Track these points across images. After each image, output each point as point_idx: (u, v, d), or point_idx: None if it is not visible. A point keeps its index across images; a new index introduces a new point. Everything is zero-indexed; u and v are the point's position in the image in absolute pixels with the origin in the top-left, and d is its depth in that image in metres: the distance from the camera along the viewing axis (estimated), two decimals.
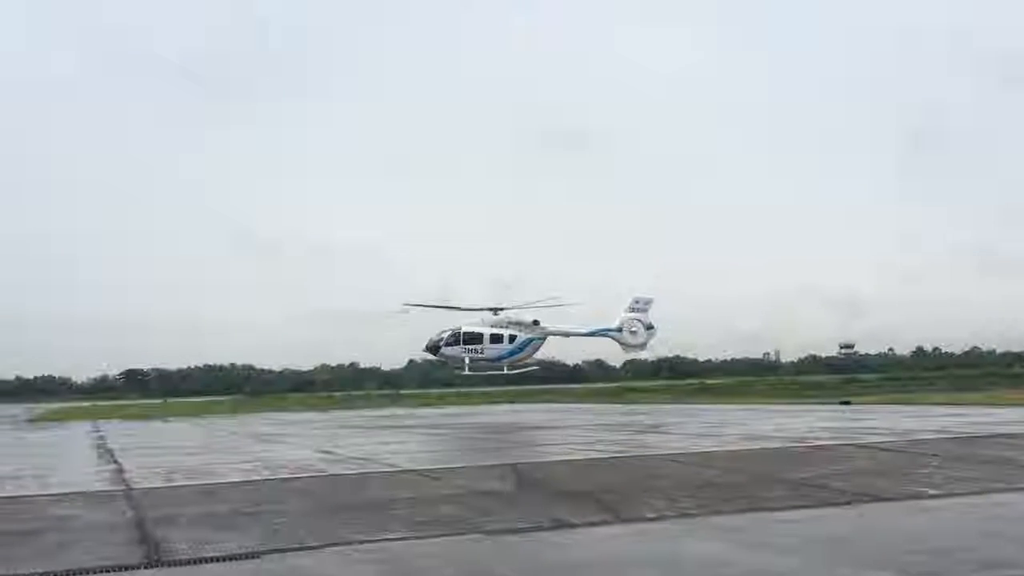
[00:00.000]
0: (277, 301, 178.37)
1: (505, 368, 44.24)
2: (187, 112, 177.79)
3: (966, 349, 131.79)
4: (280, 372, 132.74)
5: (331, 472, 14.81)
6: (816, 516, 9.25)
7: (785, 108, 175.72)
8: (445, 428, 29.23)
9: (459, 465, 15.52)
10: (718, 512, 9.50)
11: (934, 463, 13.34)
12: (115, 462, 18.42)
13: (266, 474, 14.69)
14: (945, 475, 12.01)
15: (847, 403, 37.73)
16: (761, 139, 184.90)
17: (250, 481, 13.67)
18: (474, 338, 43.29)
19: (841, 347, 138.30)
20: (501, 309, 43.79)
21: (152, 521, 9.90)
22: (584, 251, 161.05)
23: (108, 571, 7.54)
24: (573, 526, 8.98)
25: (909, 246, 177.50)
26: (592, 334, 45.59)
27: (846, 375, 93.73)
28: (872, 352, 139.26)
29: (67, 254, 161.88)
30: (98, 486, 13.83)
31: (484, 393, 71.74)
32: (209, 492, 12.42)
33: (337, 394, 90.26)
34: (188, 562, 7.78)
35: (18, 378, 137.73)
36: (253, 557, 7.86)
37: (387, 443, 22.14)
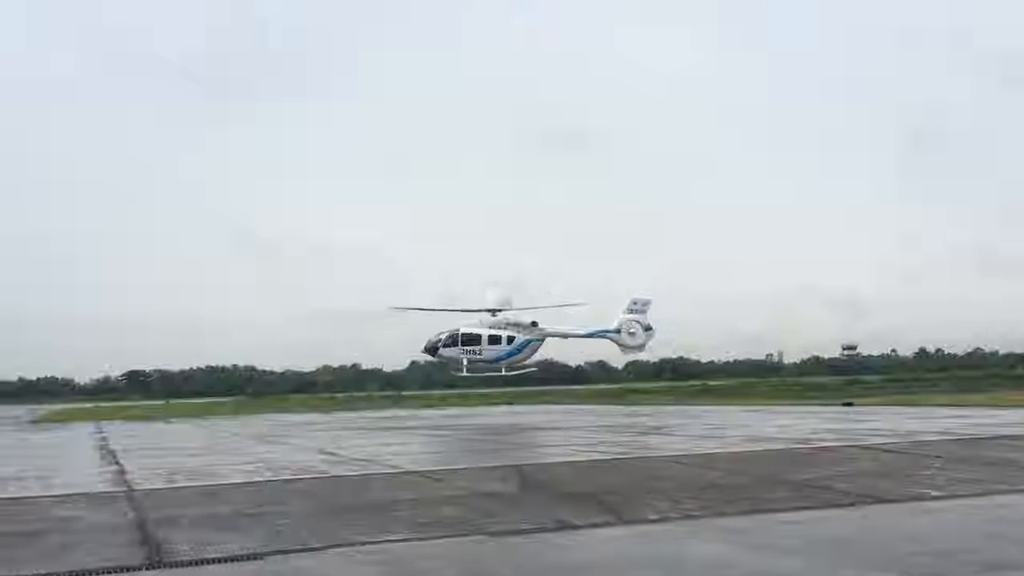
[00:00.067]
0: (277, 301, 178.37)
1: (503, 369, 44.23)
2: (187, 112, 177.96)
3: (969, 350, 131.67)
4: (282, 373, 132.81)
5: (333, 473, 14.80)
6: (819, 517, 9.23)
7: (785, 108, 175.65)
8: (447, 429, 29.22)
9: (461, 466, 15.52)
10: (721, 514, 9.49)
11: (937, 465, 13.31)
12: (117, 463, 18.42)
13: (268, 475, 14.68)
14: (948, 477, 11.98)
15: (850, 404, 37.67)
16: (761, 139, 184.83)
17: (252, 482, 13.66)
18: (472, 339, 43.29)
19: (844, 348, 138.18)
20: (499, 310, 43.79)
21: (154, 522, 9.90)
22: (584, 251, 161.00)
23: (110, 572, 7.53)
24: (576, 527, 8.96)
25: (911, 247, 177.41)
26: (591, 335, 45.56)
27: (849, 376, 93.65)
28: (875, 353, 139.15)
29: (68, 254, 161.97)
30: (100, 487, 13.84)
31: (486, 394, 71.72)
32: (211, 493, 12.41)
33: (339, 395, 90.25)
34: (190, 563, 7.78)
35: (21, 379, 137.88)
36: (255, 558, 7.85)
37: (389, 444, 22.14)
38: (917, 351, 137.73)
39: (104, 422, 46.84)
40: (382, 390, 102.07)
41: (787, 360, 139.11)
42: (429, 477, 13.82)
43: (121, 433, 33.63)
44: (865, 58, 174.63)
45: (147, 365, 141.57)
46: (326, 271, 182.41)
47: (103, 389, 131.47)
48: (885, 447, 16.49)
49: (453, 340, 43.57)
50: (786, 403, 44.23)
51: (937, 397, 43.40)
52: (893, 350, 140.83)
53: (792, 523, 8.92)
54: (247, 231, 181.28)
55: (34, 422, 51.90)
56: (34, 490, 13.74)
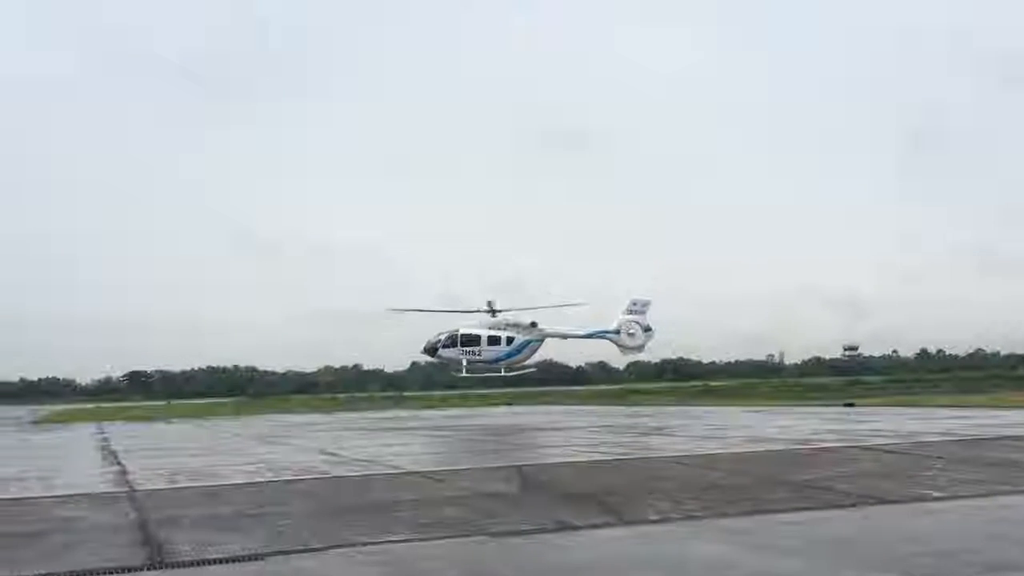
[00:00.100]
0: (278, 302, 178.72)
1: (503, 370, 44.27)
2: (187, 112, 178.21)
3: (970, 351, 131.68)
4: (283, 374, 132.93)
5: (335, 474, 14.81)
6: (821, 518, 9.23)
7: (785, 108, 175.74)
8: (448, 430, 29.23)
9: (463, 467, 15.52)
10: (723, 514, 9.48)
11: (939, 465, 13.30)
12: (119, 464, 18.44)
13: (269, 476, 14.69)
14: (950, 477, 11.97)
15: (851, 405, 37.65)
16: (761, 139, 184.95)
17: (253, 483, 13.67)
18: (471, 340, 43.32)
19: (845, 349, 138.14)
20: (499, 311, 43.81)
21: (155, 523, 9.90)
22: (584, 251, 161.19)
23: (112, 572, 7.53)
24: (577, 528, 8.96)
25: (912, 247, 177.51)
26: (590, 336, 45.57)
27: (850, 377, 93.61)
28: (876, 354, 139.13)
29: (69, 255, 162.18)
30: (102, 488, 13.85)
31: (487, 395, 71.72)
32: (212, 494, 12.42)
33: (340, 396, 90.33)
34: (191, 564, 7.78)
35: (22, 379, 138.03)
36: (257, 559, 7.86)
37: (390, 445, 22.14)
38: (918, 352, 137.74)
39: (105, 423, 46.87)
40: (383, 391, 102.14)
41: (788, 361, 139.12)
42: (430, 478, 13.82)
43: (122, 434, 33.65)
44: (865, 58, 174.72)
45: (148, 366, 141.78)
46: (326, 271, 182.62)
47: (104, 390, 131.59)
48: (887, 448, 16.48)
49: (452, 341, 43.60)
50: (787, 404, 44.22)
51: (939, 398, 43.39)
52: (894, 351, 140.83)
53: (793, 524, 8.92)
54: (247, 231, 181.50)
55: (36, 423, 51.92)
56: (36, 490, 13.75)
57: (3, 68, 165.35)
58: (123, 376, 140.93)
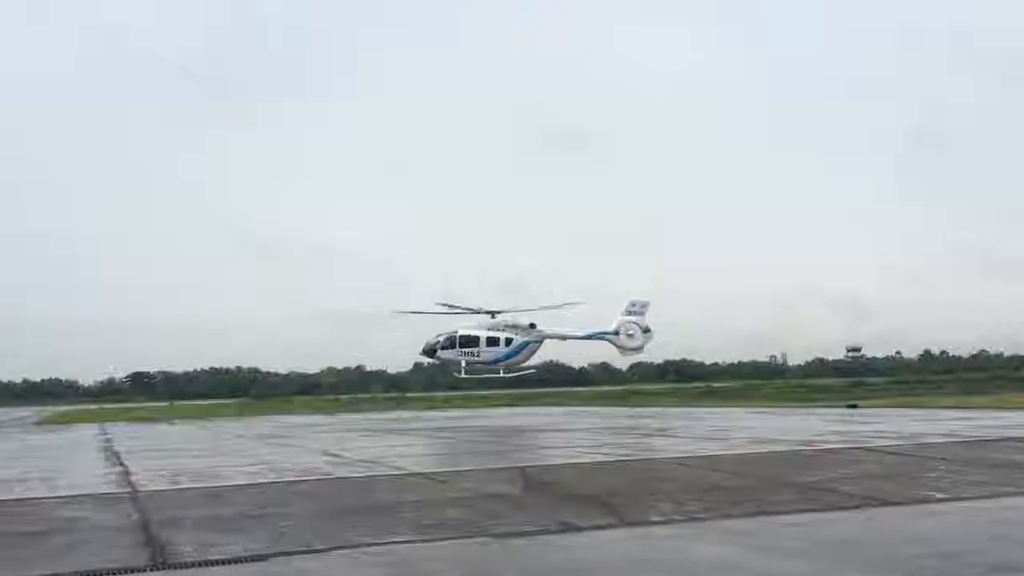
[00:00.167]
0: (279, 302, 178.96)
1: (502, 371, 44.34)
2: (187, 112, 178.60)
3: (974, 352, 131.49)
4: (286, 375, 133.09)
5: (337, 475, 14.81)
6: (825, 520, 9.21)
7: (785, 108, 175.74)
8: (451, 431, 29.22)
9: (465, 468, 15.51)
10: (726, 516, 9.46)
11: (942, 467, 13.27)
12: (121, 465, 18.46)
13: (272, 477, 14.69)
14: (953, 479, 11.94)
15: (854, 406, 37.60)
16: (761, 139, 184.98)
17: (256, 484, 13.67)
18: (470, 341, 43.39)
19: (848, 350, 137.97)
20: (498, 312, 43.86)
21: (158, 523, 9.91)
22: (584, 251, 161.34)
23: (114, 573, 7.53)
24: (579, 529, 8.95)
25: (915, 248, 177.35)
26: (589, 337, 45.60)
27: (853, 378, 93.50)
28: (879, 355, 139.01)
29: (72, 255, 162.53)
30: (105, 488, 13.86)
31: (489, 396, 71.72)
32: (215, 495, 12.42)
33: (343, 397, 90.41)
34: (194, 565, 7.78)
35: (25, 380, 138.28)
36: (259, 560, 7.85)
37: (393, 446, 22.14)
38: (922, 353, 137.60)
39: (108, 424, 46.94)
40: (386, 392, 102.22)
41: (791, 362, 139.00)
42: (433, 479, 13.82)
43: (125, 435, 33.69)
44: (865, 58, 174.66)
45: (151, 367, 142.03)
46: (326, 271, 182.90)
47: (107, 391, 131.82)
48: (890, 449, 16.45)
49: (451, 342, 43.68)
50: (790, 405, 44.16)
51: (942, 399, 43.34)
52: (898, 352, 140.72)
53: (797, 525, 8.90)
54: (247, 231, 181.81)
55: (39, 424, 52.01)
56: (39, 491, 13.76)
57: (3, 68, 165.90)
58: (126, 377, 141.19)
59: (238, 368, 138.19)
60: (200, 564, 7.79)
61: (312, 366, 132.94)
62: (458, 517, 9.78)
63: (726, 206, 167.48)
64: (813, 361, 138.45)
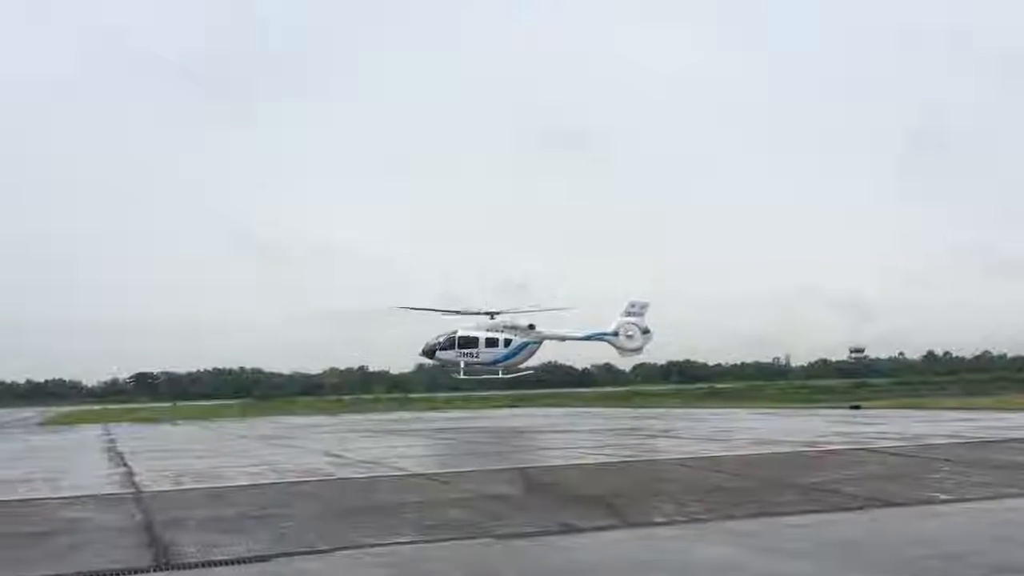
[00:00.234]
0: (281, 303, 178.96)
1: (500, 372, 44.40)
2: (187, 112, 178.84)
3: (977, 353, 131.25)
4: (289, 375, 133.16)
5: (340, 476, 14.81)
6: (828, 521, 9.20)
7: (785, 108, 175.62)
8: (453, 432, 29.23)
9: (467, 469, 15.51)
10: (728, 516, 9.46)
11: (946, 468, 13.26)
12: (125, 465, 18.48)
13: (275, 478, 14.70)
14: (957, 480, 11.93)
15: (857, 407, 37.55)
16: (761, 139, 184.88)
17: (259, 485, 13.68)
18: (470, 342, 43.49)
19: (851, 351, 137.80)
20: (497, 313, 43.92)
21: (161, 524, 9.92)
22: (584, 252, 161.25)
23: (118, 574, 7.55)
24: (581, 530, 8.95)
25: (918, 249, 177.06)
26: (588, 338, 45.65)
27: (856, 379, 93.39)
28: (883, 356, 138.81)
29: (75, 256, 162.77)
30: (108, 489, 13.89)
31: (491, 397, 71.71)
32: (218, 495, 12.44)
33: (346, 398, 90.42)
34: (197, 565, 7.79)
35: (29, 381, 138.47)
36: (262, 560, 7.86)
37: (395, 447, 22.15)
38: (925, 354, 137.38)
39: (112, 424, 47.01)
40: (388, 392, 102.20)
41: (794, 363, 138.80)
42: (435, 480, 13.82)
43: (129, 435, 33.74)
44: (865, 58, 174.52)
45: (154, 367, 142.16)
46: (327, 271, 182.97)
47: (111, 391, 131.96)
48: (893, 450, 16.43)
49: (451, 343, 43.77)
50: (793, 406, 44.11)
51: (945, 400, 43.27)
52: (901, 353, 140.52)
53: (800, 526, 8.89)
54: (248, 231, 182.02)
55: (42, 424, 52.10)
56: (43, 492, 13.78)
57: (3, 68, 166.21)
58: (129, 378, 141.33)
59: (241, 369, 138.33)
60: (203, 565, 7.80)
61: (314, 367, 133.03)
62: (460, 518, 9.78)
63: (726, 206, 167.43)
64: (816, 362, 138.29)
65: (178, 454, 22.18)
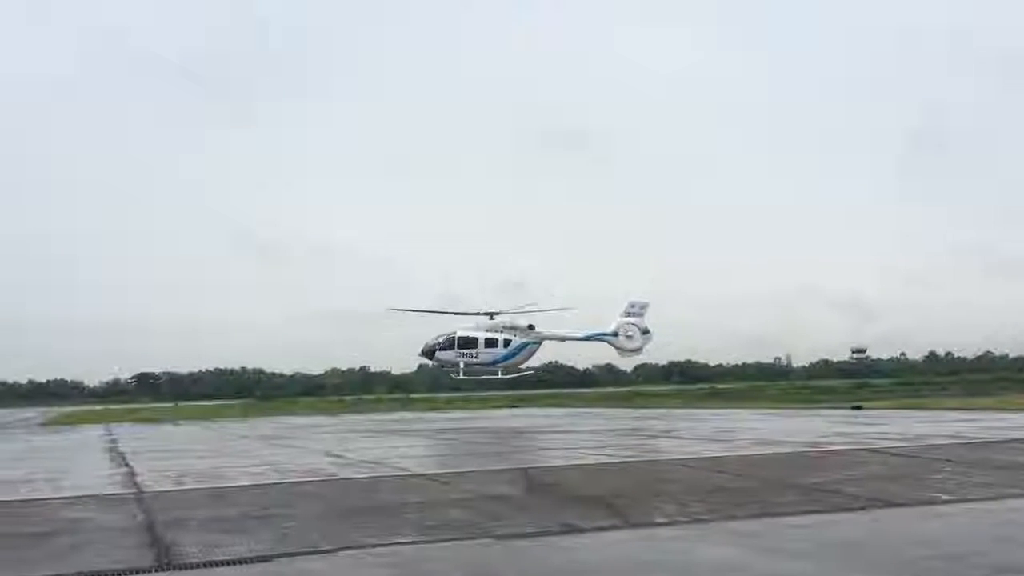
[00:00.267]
0: (283, 303, 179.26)
1: (499, 372, 44.43)
2: (187, 112, 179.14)
3: (979, 354, 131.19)
4: (290, 376, 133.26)
5: (341, 476, 14.82)
6: (829, 521, 9.20)
7: (785, 108, 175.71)
8: (454, 432, 29.23)
9: (468, 469, 15.51)
10: (730, 517, 9.46)
11: (947, 469, 13.25)
12: (127, 465, 18.49)
13: (276, 478, 14.71)
14: (958, 481, 11.92)
15: (859, 408, 37.53)
16: (761, 139, 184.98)
17: (260, 485, 13.69)
18: (469, 342, 43.52)
19: (853, 352, 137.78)
20: (496, 313, 43.95)
21: (163, 524, 9.93)
22: (584, 252, 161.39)
23: (120, 574, 7.55)
24: (583, 531, 8.95)
25: (919, 249, 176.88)
26: (588, 338, 45.67)
27: (858, 380, 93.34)
28: (884, 357, 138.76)
29: (76, 256, 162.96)
30: (110, 489, 13.89)
31: (492, 398, 71.71)
32: (220, 496, 12.44)
33: (347, 398, 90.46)
34: (199, 565, 7.80)
35: (30, 381, 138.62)
36: (264, 561, 7.87)
37: (397, 447, 22.15)
38: (927, 354, 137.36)
39: (113, 424, 47.04)
40: (390, 393, 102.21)
41: (796, 363, 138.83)
42: (436, 480, 13.82)
43: (130, 435, 33.76)
44: (865, 58, 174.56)
45: (156, 368, 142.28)
46: (328, 271, 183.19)
47: (112, 391, 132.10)
48: (895, 451, 16.43)
49: (450, 343, 43.81)
50: (795, 406, 44.09)
51: (947, 400, 43.24)
52: (902, 353, 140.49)
53: (802, 527, 8.89)
54: (248, 231, 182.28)
55: (44, 424, 52.13)
56: (45, 492, 13.79)
57: (3, 68, 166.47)
58: (131, 378, 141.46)
59: (242, 369, 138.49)
60: (205, 565, 7.81)
61: (316, 367, 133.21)
62: (461, 518, 9.78)
63: (726, 206, 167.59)
64: (817, 363, 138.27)
65: (180, 454, 22.19)
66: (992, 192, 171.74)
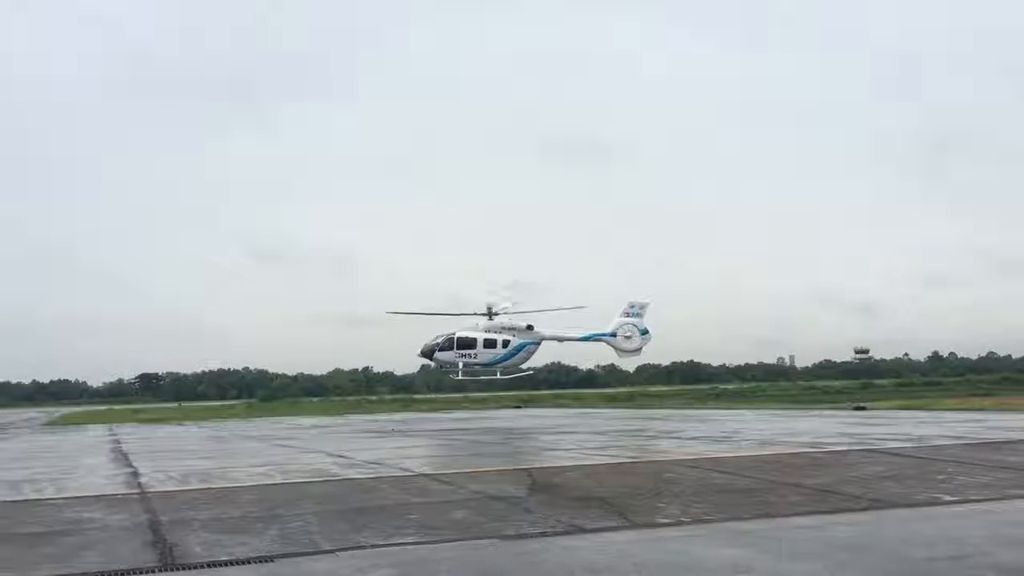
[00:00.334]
0: (287, 304, 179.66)
1: (498, 373, 44.44)
2: (192, 115, 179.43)
3: (982, 354, 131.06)
4: (294, 377, 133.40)
5: (345, 476, 14.83)
6: (834, 522, 9.18)
7: (786, 108, 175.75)
8: (458, 432, 29.24)
9: (472, 470, 15.51)
10: (734, 518, 9.45)
11: (950, 469, 13.23)
12: (131, 466, 18.52)
13: (280, 478, 14.72)
14: (962, 481, 11.91)
15: (862, 408, 37.50)
16: (762, 139, 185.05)
17: (264, 485, 13.70)
18: (468, 343, 43.53)
19: (856, 352, 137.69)
20: (495, 314, 43.95)
21: (166, 525, 9.94)
22: (584, 252, 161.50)
23: (123, 574, 7.57)
24: (586, 531, 8.95)
25: (924, 250, 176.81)
26: (587, 339, 45.64)
27: (861, 380, 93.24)
28: (888, 357, 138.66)
29: (79, 257, 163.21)
30: (114, 490, 13.92)
31: (496, 398, 71.71)
32: (223, 496, 12.45)
33: (351, 398, 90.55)
34: (202, 566, 7.81)
35: (34, 382, 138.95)
36: (267, 561, 7.88)
37: (400, 447, 22.16)
38: (930, 355, 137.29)
39: (117, 425, 47.11)
40: (393, 394, 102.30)
41: (799, 364, 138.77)
42: (440, 480, 13.83)
43: (134, 436, 33.81)
44: (867, 58, 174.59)
45: (159, 368, 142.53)
46: (331, 273, 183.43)
47: (116, 392, 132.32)
48: (898, 451, 16.41)
49: (449, 344, 43.79)
50: (798, 407, 44.06)
51: (950, 401, 43.18)
52: (906, 354, 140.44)
53: (806, 527, 8.88)
54: (253, 233, 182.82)
55: (48, 425, 52.23)
56: (48, 492, 13.81)
57: (4, 69, 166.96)
58: (134, 379, 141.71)
59: (246, 369, 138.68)
60: (209, 565, 7.82)
61: (320, 368, 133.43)
62: (465, 519, 9.79)
63: (731, 206, 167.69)
64: (821, 363, 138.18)
65: (183, 455, 22.22)
66: (997, 194, 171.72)
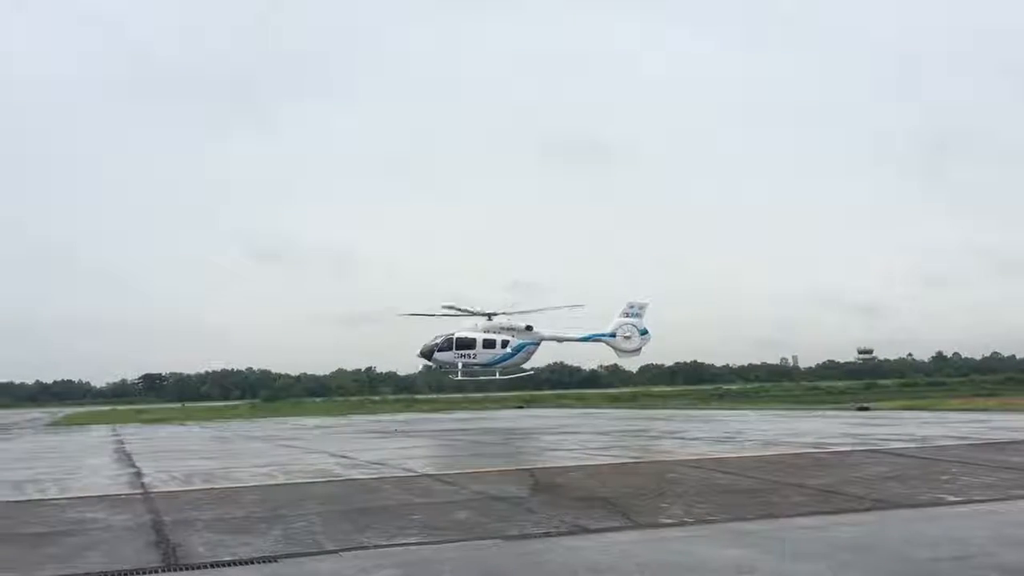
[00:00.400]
0: (290, 304, 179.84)
1: (498, 373, 44.48)
2: (190, 114, 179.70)
3: (986, 355, 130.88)
4: (297, 377, 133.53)
5: (348, 477, 14.83)
6: (837, 522, 9.17)
7: (786, 108, 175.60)
8: (460, 433, 29.24)
9: (474, 470, 15.51)
10: (738, 518, 9.44)
11: (954, 469, 13.21)
12: (134, 466, 18.54)
13: (283, 479, 14.73)
14: (966, 482, 11.89)
15: (865, 408, 37.45)
16: (762, 140, 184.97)
17: (267, 486, 13.71)
18: (467, 343, 43.57)
19: (859, 352, 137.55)
20: (494, 314, 43.98)
21: (170, 525, 9.95)
22: (584, 252, 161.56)
23: (126, 574, 7.57)
24: (589, 532, 8.95)
25: (927, 250, 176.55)
26: (586, 339, 45.64)
27: (865, 380, 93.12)
28: (891, 357, 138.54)
29: (81, 257, 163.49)
30: (117, 490, 13.93)
31: (498, 398, 71.71)
32: (226, 496, 12.46)
33: (353, 399, 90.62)
34: (206, 566, 7.81)
35: (38, 382, 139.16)
36: (270, 561, 7.88)
37: (403, 448, 22.16)
38: (934, 355, 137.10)
39: (120, 425, 47.17)
40: (396, 394, 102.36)
41: (803, 364, 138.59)
42: (442, 481, 13.82)
43: (137, 436, 33.85)
44: (868, 58, 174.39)
45: (162, 369, 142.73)
46: (334, 273, 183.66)
47: (119, 392, 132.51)
48: (902, 452, 16.38)
49: (448, 344, 43.82)
50: (801, 407, 44.01)
51: (953, 401, 43.11)
52: (909, 354, 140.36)
53: (809, 528, 8.87)
54: (254, 233, 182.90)
55: (51, 425, 52.32)
56: (51, 492, 13.83)
57: (4, 69, 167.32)
58: (137, 379, 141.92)
59: (249, 370, 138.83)
60: (212, 565, 7.82)
61: (322, 368, 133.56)
62: (468, 519, 9.78)
63: (732, 206, 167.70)
64: (824, 363, 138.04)
65: (186, 455, 22.24)
66: (999, 193, 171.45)
